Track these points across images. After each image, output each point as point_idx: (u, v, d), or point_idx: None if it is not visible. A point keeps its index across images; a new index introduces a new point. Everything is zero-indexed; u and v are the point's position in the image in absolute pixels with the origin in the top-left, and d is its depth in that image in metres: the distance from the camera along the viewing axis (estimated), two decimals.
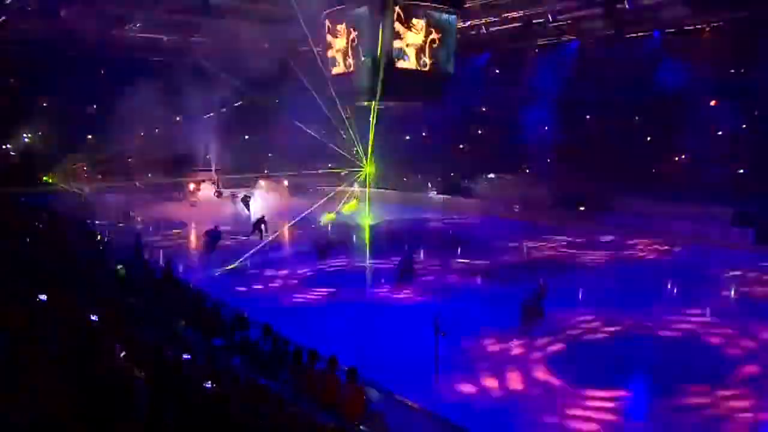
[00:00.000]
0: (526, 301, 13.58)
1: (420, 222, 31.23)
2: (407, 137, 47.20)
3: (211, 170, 41.82)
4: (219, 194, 40.13)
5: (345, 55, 20.30)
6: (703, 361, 11.91)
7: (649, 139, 31.81)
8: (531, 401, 10.21)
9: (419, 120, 42.80)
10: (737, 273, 18.71)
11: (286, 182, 39.69)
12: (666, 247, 23.81)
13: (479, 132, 41.58)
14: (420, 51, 19.11)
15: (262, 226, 24.65)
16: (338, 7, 20.01)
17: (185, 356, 7.22)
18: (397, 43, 18.54)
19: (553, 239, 25.27)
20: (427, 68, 19.39)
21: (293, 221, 26.25)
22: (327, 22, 20.99)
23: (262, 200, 32.86)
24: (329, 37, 22.24)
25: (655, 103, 31.26)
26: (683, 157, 30.28)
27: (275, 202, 33.79)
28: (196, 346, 8.98)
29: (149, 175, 39.73)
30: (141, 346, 7.21)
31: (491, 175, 37.33)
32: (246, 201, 32.52)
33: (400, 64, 18.89)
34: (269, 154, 42.38)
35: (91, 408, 4.14)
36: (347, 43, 20.07)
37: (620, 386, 10.68)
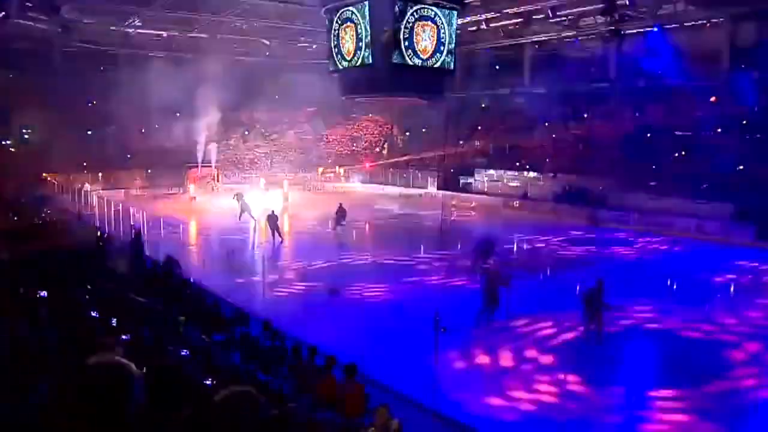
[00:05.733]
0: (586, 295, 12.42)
1: (418, 218, 31.15)
2: (407, 132, 47.21)
3: (210, 165, 41.73)
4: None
5: (345, 51, 20.17)
6: (705, 357, 11.90)
7: (649, 135, 31.79)
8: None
9: (419, 115, 42.82)
10: (737, 269, 18.67)
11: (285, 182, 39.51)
12: (666, 246, 23.83)
13: (479, 128, 41.50)
14: (420, 46, 19.02)
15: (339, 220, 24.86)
16: (339, 2, 19.86)
17: (184, 352, 7.21)
18: (398, 39, 18.43)
19: (554, 236, 25.23)
20: (428, 64, 19.27)
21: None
22: (328, 17, 20.85)
23: (260, 198, 32.64)
24: (330, 32, 22.02)
25: (656, 99, 31.18)
26: (683, 153, 30.24)
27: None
28: (196, 342, 8.98)
29: (148, 170, 39.64)
30: (141, 343, 7.20)
31: (491, 171, 37.34)
32: (242, 200, 32.25)
33: (401, 59, 18.78)
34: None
35: (91, 406, 4.11)
36: (348, 38, 19.94)
37: (622, 384, 10.68)
